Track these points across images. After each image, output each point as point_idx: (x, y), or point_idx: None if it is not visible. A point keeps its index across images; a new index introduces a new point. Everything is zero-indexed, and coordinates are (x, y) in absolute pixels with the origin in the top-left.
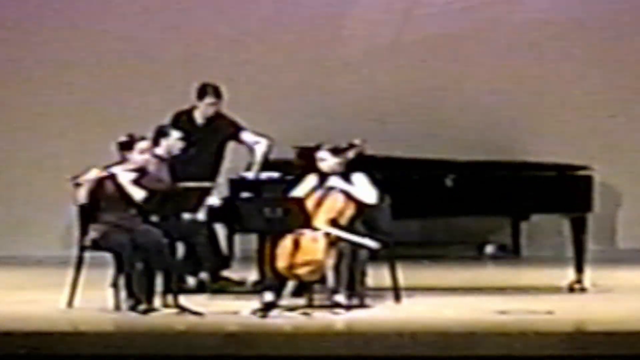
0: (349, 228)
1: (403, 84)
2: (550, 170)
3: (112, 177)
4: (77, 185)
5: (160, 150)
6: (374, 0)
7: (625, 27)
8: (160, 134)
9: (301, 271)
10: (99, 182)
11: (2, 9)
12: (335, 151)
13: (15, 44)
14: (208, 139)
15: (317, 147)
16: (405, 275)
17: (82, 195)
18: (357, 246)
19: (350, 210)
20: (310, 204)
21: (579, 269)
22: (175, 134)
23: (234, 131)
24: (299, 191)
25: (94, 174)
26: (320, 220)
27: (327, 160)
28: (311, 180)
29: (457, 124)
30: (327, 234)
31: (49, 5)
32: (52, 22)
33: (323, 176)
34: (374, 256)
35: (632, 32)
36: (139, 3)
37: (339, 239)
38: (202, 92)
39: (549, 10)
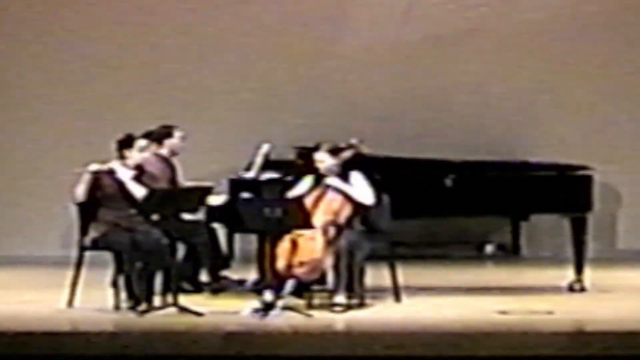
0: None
1: (403, 84)
2: (550, 170)
3: (111, 173)
4: (78, 175)
5: (163, 150)
6: (374, 0)
7: (625, 26)
8: (164, 133)
9: (300, 271)
10: (98, 180)
11: (3, 10)
12: (333, 152)
13: (14, 45)
14: None
15: (315, 148)
16: (405, 275)
17: (80, 192)
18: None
19: (347, 210)
20: (307, 204)
21: (579, 269)
22: (178, 133)
23: None
24: (296, 191)
25: (95, 167)
26: (318, 220)
27: (325, 162)
28: (306, 182)
29: (457, 124)
30: (325, 234)
31: (46, 4)
32: (54, 23)
33: (321, 177)
34: (374, 256)
35: (632, 32)
36: (137, 3)
37: (337, 236)
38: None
39: (549, 9)
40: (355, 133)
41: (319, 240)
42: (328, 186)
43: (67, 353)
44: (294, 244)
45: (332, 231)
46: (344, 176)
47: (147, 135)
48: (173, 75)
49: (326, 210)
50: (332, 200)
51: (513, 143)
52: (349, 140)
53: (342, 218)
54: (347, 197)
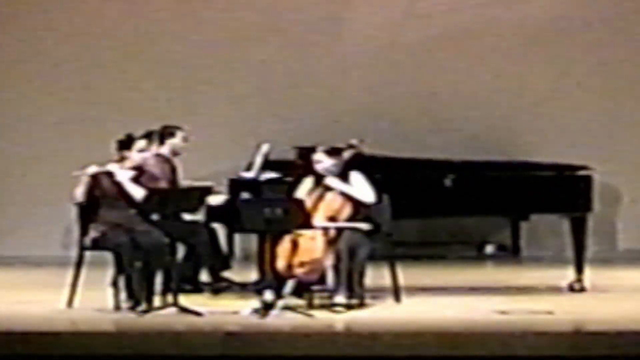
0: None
1: (403, 84)
2: (550, 170)
3: (110, 174)
4: (76, 178)
5: (164, 150)
6: (374, 0)
7: (625, 27)
8: (166, 133)
9: (300, 271)
10: (97, 181)
11: (2, 9)
12: (331, 152)
13: (12, 44)
14: None
15: (312, 149)
16: (405, 275)
17: (79, 193)
18: (353, 230)
19: (347, 210)
20: (308, 204)
21: (579, 269)
22: (180, 134)
23: None
24: (298, 193)
25: (93, 170)
26: (318, 220)
27: (323, 162)
28: (309, 181)
29: (457, 124)
30: (325, 234)
31: (46, 4)
32: (51, 22)
33: (320, 177)
34: (374, 256)
35: (632, 32)
36: (137, 3)
37: (337, 236)
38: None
39: (549, 10)
40: (356, 133)
41: (319, 241)
42: (328, 187)
43: (67, 353)
44: (294, 244)
45: (332, 231)
46: (343, 176)
47: (148, 135)
48: (173, 76)
49: (326, 210)
50: (332, 200)
51: (513, 143)
52: (349, 140)
53: (343, 218)
54: (347, 197)
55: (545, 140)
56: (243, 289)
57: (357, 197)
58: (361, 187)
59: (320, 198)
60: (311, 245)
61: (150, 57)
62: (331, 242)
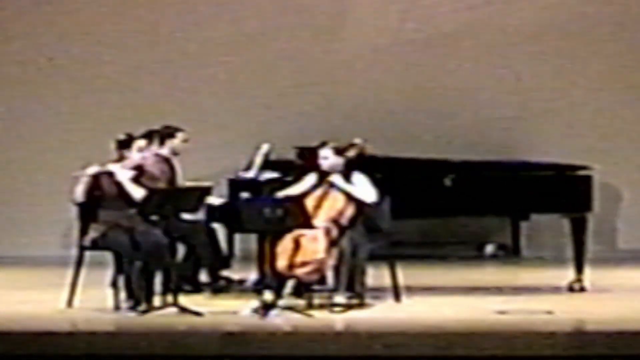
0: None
1: (403, 84)
2: (550, 170)
3: (110, 174)
4: (76, 178)
5: (164, 150)
6: (374, 0)
7: (627, 26)
8: (166, 134)
9: (301, 271)
10: (97, 181)
11: (2, 9)
12: (338, 150)
13: (15, 45)
14: None
15: (322, 145)
16: (405, 275)
17: (79, 193)
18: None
19: (350, 210)
20: (310, 203)
21: (579, 269)
22: (180, 135)
23: None
24: (297, 189)
25: (93, 170)
26: (321, 220)
27: (329, 159)
28: (311, 178)
29: (457, 124)
30: (327, 234)
31: (47, 5)
32: (53, 23)
33: (323, 175)
34: (374, 256)
35: (632, 31)
36: (139, 4)
37: (339, 238)
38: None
39: (548, 9)
40: (356, 133)
41: (322, 241)
42: (332, 185)
43: (67, 353)
44: (297, 244)
45: (334, 232)
46: (345, 176)
47: (148, 135)
48: (173, 76)
49: (330, 209)
50: (335, 200)
51: (513, 143)
52: (353, 139)
53: (345, 218)
54: (350, 198)
55: (545, 140)
56: (242, 285)
57: (359, 197)
58: (364, 188)
59: (323, 197)
60: (314, 245)
61: (151, 58)
62: (333, 243)
